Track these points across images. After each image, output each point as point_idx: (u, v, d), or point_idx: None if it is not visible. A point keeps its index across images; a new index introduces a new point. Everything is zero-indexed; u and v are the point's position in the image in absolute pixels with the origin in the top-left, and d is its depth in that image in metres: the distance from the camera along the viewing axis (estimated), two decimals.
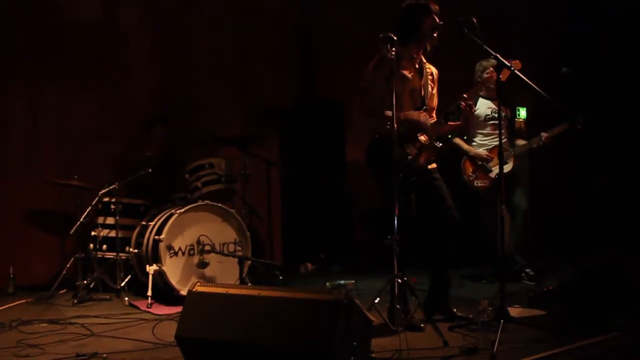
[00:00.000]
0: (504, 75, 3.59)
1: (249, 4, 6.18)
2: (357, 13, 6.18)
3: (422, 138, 3.66)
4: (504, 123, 4.83)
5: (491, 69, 3.66)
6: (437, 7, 3.65)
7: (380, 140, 3.59)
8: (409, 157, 3.62)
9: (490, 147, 4.99)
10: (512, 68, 3.49)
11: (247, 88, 6.10)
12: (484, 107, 4.97)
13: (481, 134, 5.04)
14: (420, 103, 3.75)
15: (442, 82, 3.89)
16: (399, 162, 3.52)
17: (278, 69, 6.31)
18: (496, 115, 4.89)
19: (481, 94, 4.94)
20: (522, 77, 3.51)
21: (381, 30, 3.48)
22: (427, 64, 3.82)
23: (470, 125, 4.82)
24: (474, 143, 5.05)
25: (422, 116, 3.67)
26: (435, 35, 3.65)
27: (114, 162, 5.46)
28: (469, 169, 4.98)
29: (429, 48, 3.73)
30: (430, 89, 3.80)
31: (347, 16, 6.27)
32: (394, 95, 3.35)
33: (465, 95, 3.68)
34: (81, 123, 5.55)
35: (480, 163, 4.96)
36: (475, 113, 4.74)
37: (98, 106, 5.60)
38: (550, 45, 6.13)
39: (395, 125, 3.36)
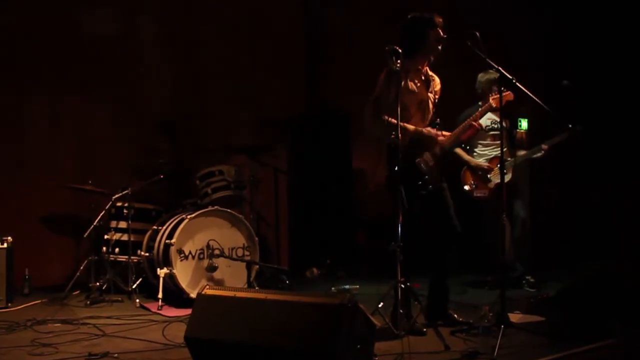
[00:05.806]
0: (506, 98, 3.65)
1: (258, 16, 6.24)
2: (365, 25, 6.20)
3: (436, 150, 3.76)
4: (504, 134, 4.90)
5: (496, 95, 3.76)
6: (441, 20, 3.70)
7: (396, 149, 3.59)
8: (429, 164, 3.69)
9: (490, 157, 5.01)
10: (514, 80, 3.54)
11: (256, 98, 6.14)
12: (484, 118, 4.93)
13: (481, 144, 5.07)
14: (428, 113, 3.81)
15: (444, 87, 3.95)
16: (418, 170, 3.62)
17: (287, 79, 6.34)
18: (496, 126, 4.96)
19: (480, 103, 5.00)
20: (523, 89, 3.57)
21: (389, 42, 3.51)
22: (432, 74, 3.86)
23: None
24: (474, 153, 5.08)
25: (440, 137, 3.76)
26: (439, 47, 3.70)
27: (128, 168, 5.51)
28: (469, 179, 5.01)
29: (432, 59, 3.79)
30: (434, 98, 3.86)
31: (355, 28, 6.29)
32: (398, 106, 3.40)
33: (473, 122, 3.83)
34: (97, 130, 5.63)
35: (480, 173, 4.99)
36: None
37: (113, 114, 5.67)
38: (552, 56, 6.17)
39: (401, 136, 3.41)
